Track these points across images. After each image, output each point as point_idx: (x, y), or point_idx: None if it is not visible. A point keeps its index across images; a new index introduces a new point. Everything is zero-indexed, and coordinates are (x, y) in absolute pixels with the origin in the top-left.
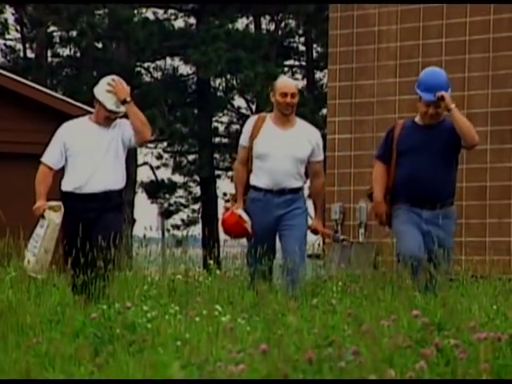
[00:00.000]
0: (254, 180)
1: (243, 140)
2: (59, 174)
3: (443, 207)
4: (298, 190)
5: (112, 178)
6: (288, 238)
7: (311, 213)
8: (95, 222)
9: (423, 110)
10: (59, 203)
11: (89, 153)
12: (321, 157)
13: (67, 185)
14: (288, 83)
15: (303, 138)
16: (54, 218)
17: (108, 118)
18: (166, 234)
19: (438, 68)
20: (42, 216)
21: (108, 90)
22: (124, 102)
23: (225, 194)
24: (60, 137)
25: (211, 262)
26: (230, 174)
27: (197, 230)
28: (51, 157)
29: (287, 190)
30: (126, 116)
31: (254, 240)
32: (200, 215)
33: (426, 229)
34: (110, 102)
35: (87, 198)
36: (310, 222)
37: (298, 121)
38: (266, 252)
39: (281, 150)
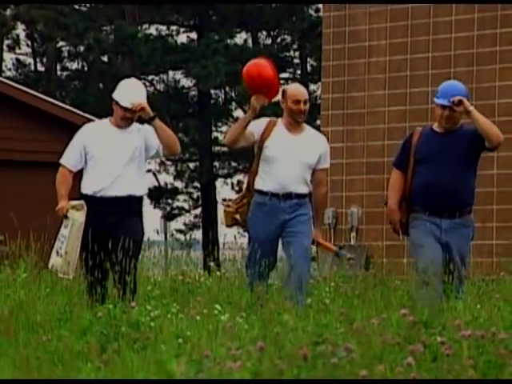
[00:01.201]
0: (260, 184)
1: (254, 126)
2: (78, 175)
3: (462, 216)
4: (304, 196)
5: (134, 184)
6: (294, 245)
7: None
8: (115, 225)
9: (439, 113)
10: (81, 202)
11: (110, 156)
12: (326, 165)
13: (88, 188)
14: (300, 90)
15: (312, 144)
16: (77, 217)
17: (125, 118)
18: (169, 237)
19: (456, 81)
20: (66, 216)
21: (133, 108)
22: (153, 119)
23: (224, 200)
24: (80, 139)
25: (211, 263)
26: (228, 180)
27: (198, 234)
28: (70, 159)
29: (294, 195)
30: (143, 120)
31: (256, 244)
32: (201, 219)
33: (444, 240)
34: (124, 99)
35: (108, 202)
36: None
37: (306, 127)
38: (267, 257)
39: (290, 154)
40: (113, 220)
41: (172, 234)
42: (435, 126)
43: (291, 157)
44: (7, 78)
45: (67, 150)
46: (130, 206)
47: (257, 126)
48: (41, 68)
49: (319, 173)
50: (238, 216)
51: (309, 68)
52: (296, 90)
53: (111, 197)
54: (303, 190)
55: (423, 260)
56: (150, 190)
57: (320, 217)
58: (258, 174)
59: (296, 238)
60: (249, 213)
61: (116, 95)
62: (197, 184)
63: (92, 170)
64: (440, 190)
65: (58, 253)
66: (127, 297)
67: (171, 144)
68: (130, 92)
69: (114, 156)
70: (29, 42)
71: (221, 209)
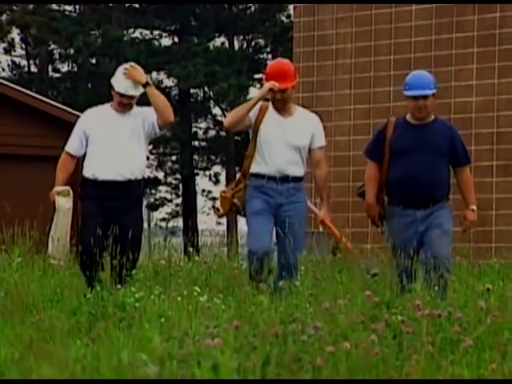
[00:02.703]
0: (256, 168)
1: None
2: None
3: (437, 204)
4: (300, 179)
5: (134, 168)
6: (284, 239)
7: (314, 204)
8: (117, 212)
9: (411, 104)
10: (67, 188)
11: (109, 140)
12: (321, 143)
13: (88, 171)
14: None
15: (303, 125)
16: (63, 203)
17: (122, 104)
18: (152, 225)
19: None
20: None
21: (124, 73)
22: (144, 86)
23: (203, 191)
24: (80, 124)
25: (191, 249)
26: (207, 172)
27: (179, 222)
28: (72, 145)
29: (290, 178)
30: (143, 104)
31: (254, 218)
32: (181, 208)
33: (421, 229)
34: (119, 86)
35: (108, 185)
36: (320, 213)
37: (297, 108)
38: (265, 230)
39: (282, 137)
40: (114, 205)
41: (156, 224)
42: (409, 117)
43: (284, 140)
44: (3, 78)
45: (71, 137)
46: (131, 191)
47: (252, 110)
48: (34, 69)
49: (316, 152)
50: (236, 200)
51: None
52: (273, 70)
53: (111, 180)
54: (299, 172)
55: (398, 258)
56: None
57: (325, 197)
58: (254, 157)
59: (289, 229)
60: (245, 196)
61: (113, 80)
62: (178, 176)
63: (92, 153)
64: (415, 182)
65: (51, 239)
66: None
67: (165, 110)
68: (129, 79)
69: (112, 139)
70: (23, 45)
71: (200, 199)
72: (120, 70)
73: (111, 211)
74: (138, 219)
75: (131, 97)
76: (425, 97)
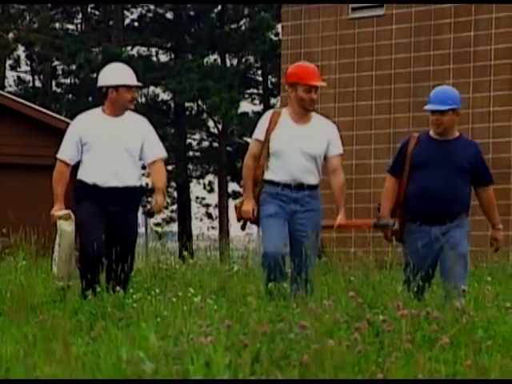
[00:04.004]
0: (271, 175)
1: (258, 134)
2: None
3: (453, 221)
4: (315, 187)
5: (132, 174)
6: (297, 247)
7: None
8: (115, 216)
9: (431, 118)
10: (68, 211)
11: (107, 146)
12: (338, 151)
13: (86, 177)
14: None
15: (319, 133)
16: (65, 227)
17: (133, 99)
18: (149, 230)
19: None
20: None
21: (157, 211)
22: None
23: (197, 198)
24: (75, 131)
25: (186, 253)
26: (201, 181)
27: (174, 227)
28: (67, 152)
29: (306, 186)
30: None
31: (270, 222)
32: (177, 214)
33: (436, 247)
34: (124, 78)
35: (108, 191)
36: (336, 219)
37: (314, 115)
38: (280, 235)
39: (296, 146)
40: (113, 209)
41: (152, 229)
42: (431, 133)
43: (298, 149)
44: (10, 92)
45: (63, 144)
46: (130, 196)
47: (262, 128)
48: (38, 84)
49: (332, 160)
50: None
51: (269, 84)
52: (302, 69)
53: (110, 187)
54: (314, 180)
55: (411, 275)
56: None
57: (343, 204)
58: (268, 167)
59: (302, 238)
60: (259, 202)
61: (118, 80)
62: (173, 184)
63: (89, 160)
64: (433, 197)
65: (55, 261)
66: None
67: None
68: (127, 72)
69: (110, 145)
70: (28, 62)
71: (197, 205)
72: (115, 69)
73: (111, 215)
74: (135, 223)
75: (136, 87)
76: (441, 112)
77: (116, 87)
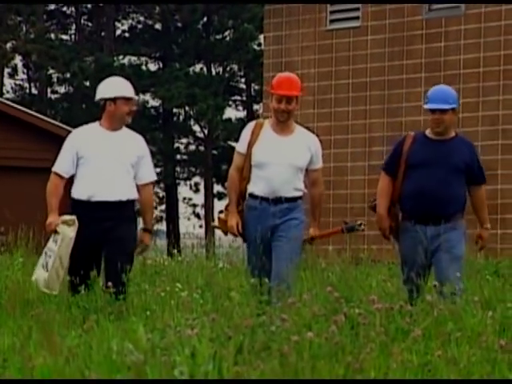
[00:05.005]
0: (252, 187)
1: (240, 147)
2: (70, 182)
3: (448, 221)
4: (295, 199)
5: (128, 188)
6: (278, 250)
7: (307, 222)
8: (109, 232)
9: (430, 117)
10: (73, 217)
11: (104, 161)
12: (319, 165)
13: (81, 193)
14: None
15: (302, 145)
16: (68, 232)
17: (131, 112)
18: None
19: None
20: (55, 231)
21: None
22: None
23: (184, 198)
24: (72, 145)
25: (174, 250)
26: (188, 182)
27: (163, 226)
28: (63, 165)
29: (284, 199)
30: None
31: (251, 249)
32: (165, 214)
33: (431, 248)
34: (128, 92)
35: (104, 206)
36: (309, 231)
37: (297, 127)
38: (262, 263)
39: (279, 158)
40: (108, 225)
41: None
42: (428, 132)
43: (280, 161)
44: (7, 99)
45: (59, 157)
46: (125, 210)
47: (244, 141)
48: (35, 91)
49: (313, 173)
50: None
51: (253, 92)
52: (280, 80)
53: (106, 201)
54: (295, 193)
55: (406, 275)
56: None
57: (318, 216)
58: (251, 178)
59: (281, 242)
60: (244, 217)
61: (116, 92)
62: (162, 185)
63: (85, 174)
64: (426, 196)
65: (44, 267)
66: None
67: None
68: (125, 85)
69: (107, 160)
70: (25, 70)
71: (184, 205)
72: (113, 83)
73: (104, 231)
74: (131, 235)
75: (133, 99)
76: (442, 111)
77: (114, 99)
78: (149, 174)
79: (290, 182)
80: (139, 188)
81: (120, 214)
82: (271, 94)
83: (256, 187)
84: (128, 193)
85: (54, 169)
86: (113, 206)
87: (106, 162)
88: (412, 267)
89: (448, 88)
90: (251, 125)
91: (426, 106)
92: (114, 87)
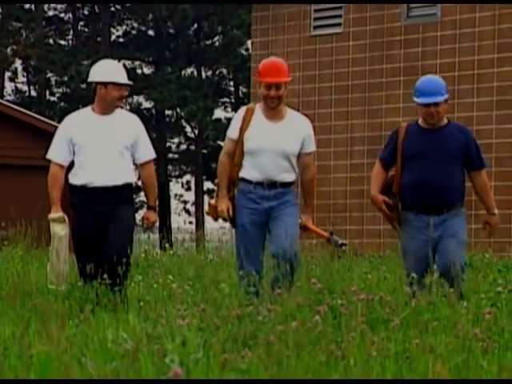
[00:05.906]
0: (244, 173)
1: (232, 133)
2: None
3: (450, 210)
4: (289, 184)
5: (124, 172)
6: (279, 222)
7: (301, 209)
8: (108, 215)
9: (422, 111)
10: (61, 214)
11: (98, 146)
12: (311, 148)
13: (78, 179)
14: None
15: (294, 130)
16: (58, 230)
17: (122, 97)
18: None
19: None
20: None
21: (147, 226)
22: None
23: (176, 195)
24: (65, 132)
25: (166, 244)
26: (179, 180)
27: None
28: (60, 154)
29: (279, 184)
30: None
31: (240, 233)
32: (158, 210)
33: (435, 236)
34: (116, 76)
35: (100, 191)
36: (301, 218)
37: (288, 111)
38: (255, 243)
39: (271, 145)
40: (105, 209)
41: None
42: (420, 122)
43: (273, 147)
44: (8, 101)
45: (53, 145)
46: (122, 194)
47: (236, 126)
48: (34, 93)
49: (304, 157)
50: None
51: (241, 94)
52: (266, 66)
53: (103, 187)
54: (288, 178)
55: (409, 266)
56: None
57: (310, 202)
58: (243, 165)
59: (282, 216)
60: (235, 201)
61: (108, 77)
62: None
63: (80, 160)
64: (428, 187)
65: (51, 265)
66: (117, 286)
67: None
68: (117, 70)
69: (101, 145)
70: (24, 74)
71: (176, 201)
72: (106, 66)
73: (103, 214)
74: (129, 218)
75: (127, 86)
76: (436, 104)
77: (105, 84)
78: (147, 152)
79: (283, 168)
80: (140, 169)
81: (117, 197)
82: (259, 82)
83: (249, 174)
84: (123, 177)
85: (50, 157)
86: (109, 191)
87: (99, 148)
88: (413, 257)
89: (437, 78)
90: (242, 110)
91: (419, 101)
92: (105, 71)
